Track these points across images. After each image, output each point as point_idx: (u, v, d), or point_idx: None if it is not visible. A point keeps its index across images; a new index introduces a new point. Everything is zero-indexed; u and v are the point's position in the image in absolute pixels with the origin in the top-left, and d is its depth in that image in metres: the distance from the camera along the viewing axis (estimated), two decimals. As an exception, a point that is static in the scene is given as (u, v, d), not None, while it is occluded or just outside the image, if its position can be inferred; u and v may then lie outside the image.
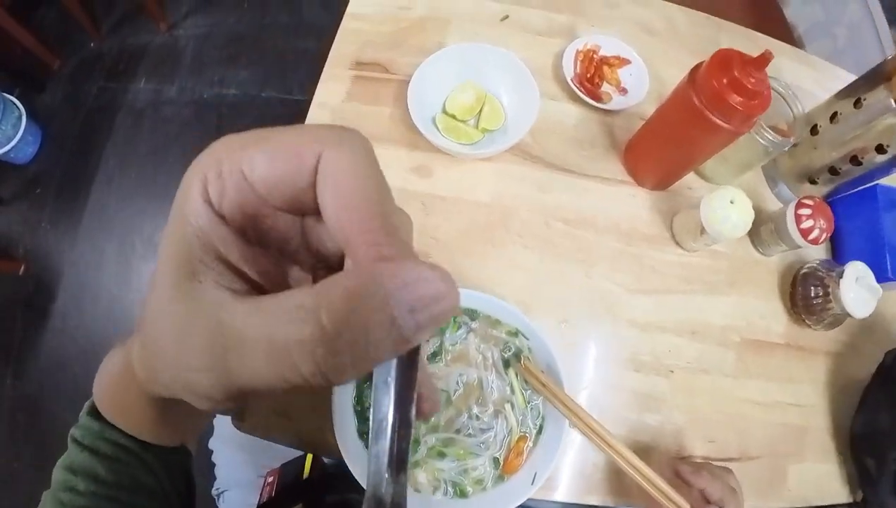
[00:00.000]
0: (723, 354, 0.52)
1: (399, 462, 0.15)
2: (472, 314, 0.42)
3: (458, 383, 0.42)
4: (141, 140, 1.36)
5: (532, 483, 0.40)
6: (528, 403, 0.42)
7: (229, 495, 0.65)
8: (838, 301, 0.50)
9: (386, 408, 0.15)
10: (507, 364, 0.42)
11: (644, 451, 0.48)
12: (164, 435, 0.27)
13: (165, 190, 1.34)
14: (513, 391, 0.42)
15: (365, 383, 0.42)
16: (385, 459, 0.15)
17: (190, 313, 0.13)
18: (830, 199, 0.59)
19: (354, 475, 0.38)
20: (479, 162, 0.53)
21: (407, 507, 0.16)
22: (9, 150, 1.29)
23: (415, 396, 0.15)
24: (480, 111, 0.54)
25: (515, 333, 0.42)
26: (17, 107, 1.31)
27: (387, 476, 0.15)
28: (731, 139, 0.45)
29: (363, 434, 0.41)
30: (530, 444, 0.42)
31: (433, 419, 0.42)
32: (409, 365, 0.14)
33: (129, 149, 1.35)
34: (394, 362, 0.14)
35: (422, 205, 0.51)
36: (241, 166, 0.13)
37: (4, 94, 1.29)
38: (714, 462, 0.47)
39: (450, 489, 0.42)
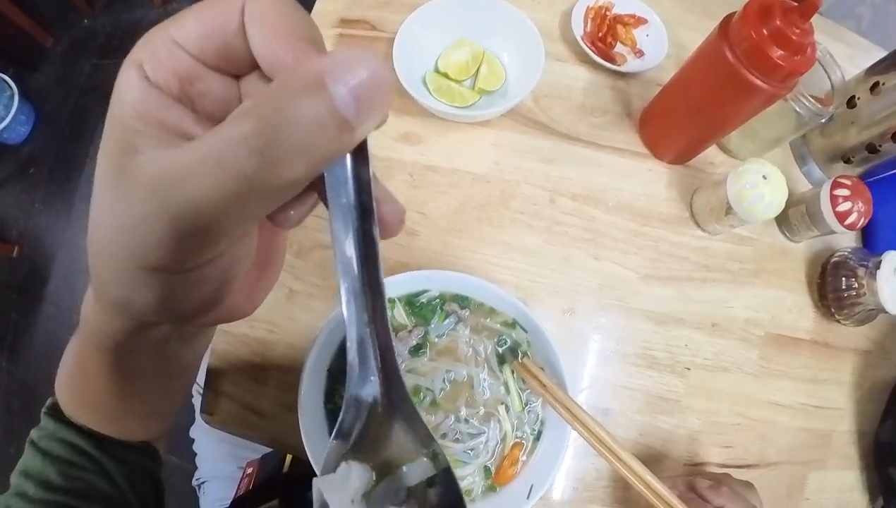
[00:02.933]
0: (745, 351, 0.47)
1: (374, 290, 0.15)
2: (463, 302, 0.37)
3: (444, 381, 0.37)
4: None
5: (528, 498, 0.35)
6: (526, 406, 0.37)
7: (209, 486, 0.64)
8: (874, 294, 0.45)
9: (344, 234, 0.14)
10: (501, 360, 0.37)
11: (655, 458, 0.44)
12: (127, 427, 0.26)
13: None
14: (508, 391, 0.37)
15: (337, 376, 0.37)
16: (359, 288, 0.14)
17: (128, 183, 0.13)
18: (865, 181, 0.53)
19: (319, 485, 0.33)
20: (475, 129, 0.48)
21: (393, 347, 0.16)
22: (1, 130, 1.26)
23: (374, 209, 0.14)
24: (477, 71, 0.48)
25: (512, 324, 0.37)
26: (10, 86, 1.28)
27: (365, 316, 0.15)
28: (767, 102, 0.39)
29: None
30: (526, 453, 0.37)
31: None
32: (360, 175, 0.14)
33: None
34: (349, 179, 0.14)
35: (409, 176, 0.45)
36: (170, 34, 0.14)
37: (-3, 73, 1.26)
38: (731, 471, 0.43)
39: (435, 497, 0.37)
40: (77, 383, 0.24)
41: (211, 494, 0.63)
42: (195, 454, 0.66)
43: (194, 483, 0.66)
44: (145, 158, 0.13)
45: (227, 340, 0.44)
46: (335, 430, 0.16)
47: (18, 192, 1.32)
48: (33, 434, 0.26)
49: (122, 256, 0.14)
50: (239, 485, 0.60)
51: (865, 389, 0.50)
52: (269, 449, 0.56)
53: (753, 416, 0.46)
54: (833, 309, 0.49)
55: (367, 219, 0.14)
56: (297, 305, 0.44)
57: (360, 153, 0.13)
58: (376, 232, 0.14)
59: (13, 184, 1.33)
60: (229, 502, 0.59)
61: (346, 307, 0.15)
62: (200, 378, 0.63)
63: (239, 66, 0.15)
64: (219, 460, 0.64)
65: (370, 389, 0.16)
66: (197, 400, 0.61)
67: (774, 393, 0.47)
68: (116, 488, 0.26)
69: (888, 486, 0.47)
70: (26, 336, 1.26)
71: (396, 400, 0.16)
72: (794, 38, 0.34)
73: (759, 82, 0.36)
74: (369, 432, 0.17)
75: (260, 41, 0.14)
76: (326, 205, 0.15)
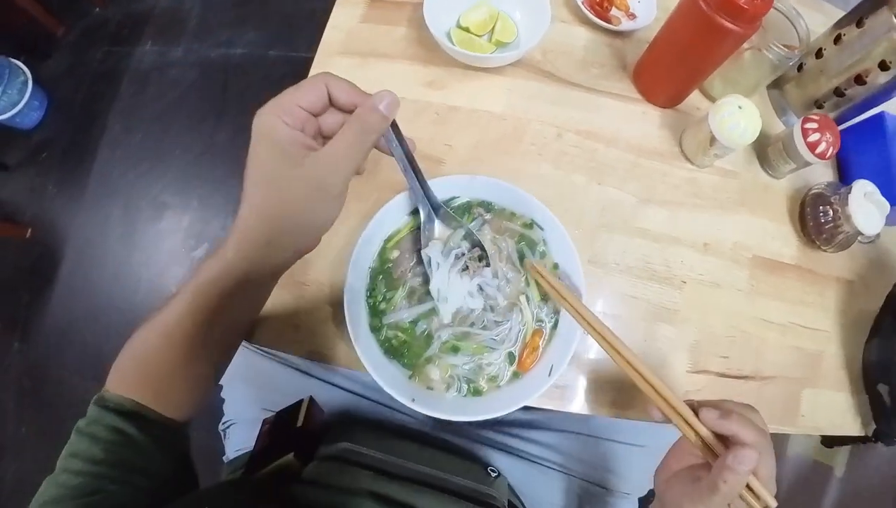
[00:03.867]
0: (735, 270, 0.52)
1: (416, 172, 0.39)
2: (488, 206, 0.43)
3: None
4: (147, 103, 1.36)
5: (549, 376, 0.40)
6: (544, 297, 0.43)
7: (234, 430, 0.65)
8: (848, 219, 0.50)
9: (400, 154, 0.37)
10: (522, 255, 0.43)
11: (660, 364, 0.48)
12: (181, 404, 0.35)
13: (172, 152, 1.34)
14: (528, 283, 0.42)
15: (377, 276, 0.42)
16: (416, 178, 0.39)
17: (301, 175, 0.31)
18: (839, 129, 0.59)
19: (364, 364, 0.38)
20: (491, 77, 0.54)
21: (431, 190, 0.41)
22: (14, 115, 1.29)
23: (407, 144, 0.37)
24: (493, 28, 0.55)
25: (530, 225, 0.43)
26: (23, 71, 1.31)
27: (421, 191, 0.40)
28: (738, 43, 0.46)
29: (374, 328, 0.42)
30: (545, 339, 0.42)
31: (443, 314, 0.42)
32: (398, 133, 0.36)
33: (134, 113, 1.36)
34: (392, 135, 0.35)
35: (436, 114, 0.51)
36: (295, 100, 0.31)
37: (10, 59, 1.29)
38: (729, 381, 0.46)
39: (464, 386, 0.42)
40: (143, 368, 0.33)
41: (234, 437, 0.65)
42: (223, 401, 0.69)
43: (220, 428, 0.69)
44: (308, 159, 0.30)
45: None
46: (423, 236, 0.42)
47: (31, 176, 1.34)
48: (79, 423, 0.32)
49: (305, 218, 0.32)
50: (256, 441, 0.62)
51: (850, 317, 0.53)
52: (290, 396, 0.58)
53: (746, 330, 0.50)
54: (814, 237, 0.53)
55: (406, 149, 0.36)
56: (329, 231, 0.48)
57: (396, 127, 0.35)
58: (411, 153, 0.37)
59: (25, 168, 1.35)
60: (251, 445, 0.61)
61: (412, 190, 0.40)
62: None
63: (321, 111, 0.33)
64: (245, 401, 0.66)
65: (425, 210, 0.41)
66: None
67: (765, 311, 0.51)
68: (153, 461, 0.32)
69: (878, 403, 0.50)
70: (37, 317, 1.26)
71: (439, 211, 0.41)
72: None
73: (729, 25, 0.43)
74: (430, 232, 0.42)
75: (340, 98, 0.33)
76: (389, 153, 0.36)
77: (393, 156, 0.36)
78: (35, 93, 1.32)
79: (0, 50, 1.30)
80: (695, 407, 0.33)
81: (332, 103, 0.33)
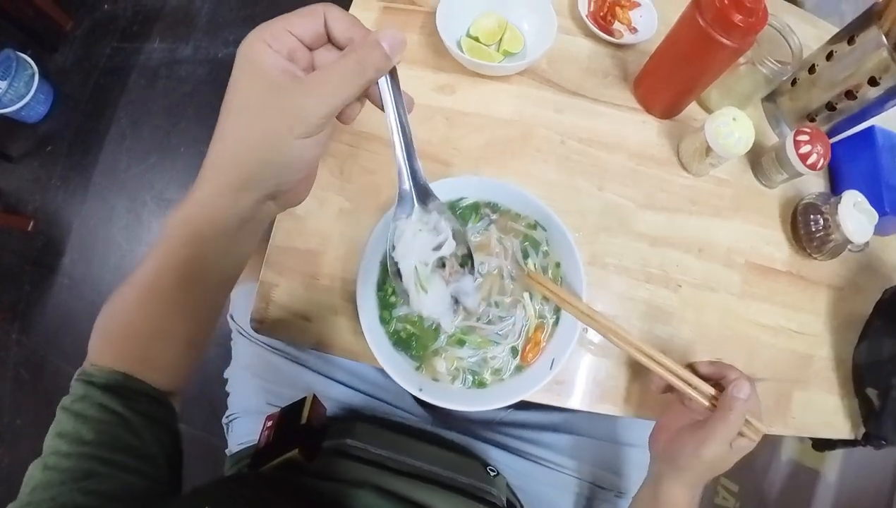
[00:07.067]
0: (728, 274, 0.54)
1: (406, 140, 0.31)
2: (494, 207, 0.45)
3: (478, 271, 0.44)
4: (154, 99, 1.37)
5: (550, 369, 0.42)
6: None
7: (238, 423, 0.66)
8: (838, 227, 0.52)
9: (392, 112, 0.30)
10: (526, 255, 0.45)
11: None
12: (165, 357, 0.33)
13: (178, 148, 1.35)
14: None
15: (386, 272, 0.44)
16: (402, 143, 0.31)
17: (284, 103, 0.27)
18: (830, 141, 0.62)
19: (374, 354, 0.40)
20: (499, 84, 0.56)
21: (421, 170, 0.33)
22: (20, 108, 1.29)
23: (403, 101, 0.30)
24: (502, 37, 0.57)
25: (534, 226, 0.45)
26: (31, 65, 1.32)
27: (405, 161, 0.32)
28: (733, 57, 0.48)
29: (384, 320, 0.43)
30: (547, 334, 0.44)
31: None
32: (395, 85, 0.30)
33: (142, 108, 1.37)
34: (388, 85, 0.29)
35: (445, 119, 0.54)
36: (284, 26, 0.27)
37: (18, 53, 1.30)
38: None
39: (469, 377, 0.44)
40: (125, 329, 0.31)
41: (238, 430, 0.65)
42: (227, 394, 0.70)
43: (224, 421, 0.70)
44: (290, 85, 0.26)
45: (280, 254, 0.49)
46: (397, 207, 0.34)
47: (35, 168, 1.35)
48: (64, 400, 0.30)
49: (281, 155, 0.28)
50: (260, 438, 0.63)
51: (840, 321, 0.55)
52: (295, 389, 0.60)
53: (739, 332, 0.52)
54: (805, 244, 0.55)
55: (400, 104, 0.30)
56: (344, 222, 0.50)
57: (395, 76, 0.29)
58: (405, 111, 0.30)
59: (30, 160, 1.36)
60: (254, 438, 0.62)
61: (397, 157, 0.31)
62: (234, 312, 0.67)
63: (316, 44, 0.29)
64: (250, 394, 0.67)
65: (406, 187, 0.33)
66: (236, 339, 0.66)
67: (757, 314, 0.53)
68: (140, 440, 0.30)
69: (867, 406, 0.51)
70: (38, 307, 1.27)
71: (425, 196, 0.34)
72: (748, 4, 0.44)
73: (724, 40, 0.45)
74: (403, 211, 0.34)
75: (339, 31, 0.28)
76: (381, 107, 0.30)
77: (383, 111, 0.30)
78: (42, 87, 1.33)
79: (8, 43, 1.31)
80: (691, 367, 0.42)
81: (329, 40, 0.29)
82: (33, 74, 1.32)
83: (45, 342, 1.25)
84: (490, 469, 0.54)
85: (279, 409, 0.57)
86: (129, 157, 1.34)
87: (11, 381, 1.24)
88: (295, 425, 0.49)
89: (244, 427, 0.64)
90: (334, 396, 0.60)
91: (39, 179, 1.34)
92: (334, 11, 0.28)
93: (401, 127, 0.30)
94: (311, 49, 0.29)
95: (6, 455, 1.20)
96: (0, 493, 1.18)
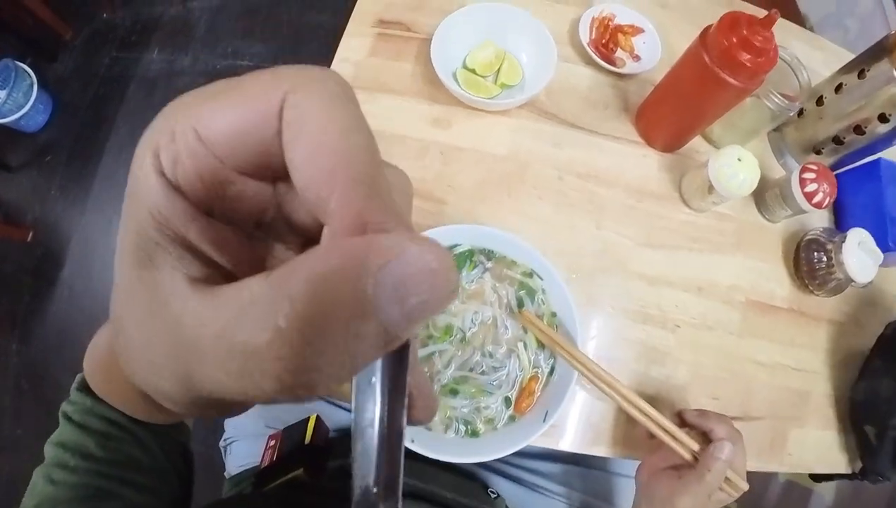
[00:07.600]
0: (728, 313, 0.53)
1: (389, 479, 0.12)
2: (489, 254, 0.44)
3: (472, 321, 0.43)
4: (153, 110, 1.30)
5: (544, 421, 0.41)
6: (541, 344, 0.44)
7: (236, 446, 0.66)
8: (841, 266, 0.51)
9: (371, 415, 0.11)
10: (521, 303, 0.44)
11: (649, 402, 0.49)
12: (156, 415, 0.25)
13: (176, 160, 1.35)
14: (526, 331, 0.44)
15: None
16: (372, 476, 0.12)
17: (150, 305, 0.11)
18: (835, 173, 0.61)
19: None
20: (496, 117, 0.55)
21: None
22: (19, 118, 1.29)
23: (406, 400, 0.12)
24: (499, 68, 0.56)
25: (530, 274, 0.44)
26: (29, 74, 1.31)
27: (374, 491, 0.12)
28: (740, 97, 0.47)
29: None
30: (541, 384, 0.43)
31: (447, 356, 0.43)
32: (398, 362, 0.11)
33: (140, 119, 1.36)
34: (378, 361, 0.11)
35: (440, 154, 0.52)
36: (193, 124, 0.11)
37: (16, 62, 1.30)
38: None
39: (461, 427, 0.43)
40: (107, 374, 0.24)
41: (237, 452, 0.65)
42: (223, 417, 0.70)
43: (221, 444, 0.69)
44: (163, 282, 0.11)
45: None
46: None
47: (34, 178, 1.34)
48: (66, 408, 0.27)
49: (144, 369, 0.12)
50: (263, 457, 0.63)
51: (840, 357, 0.54)
52: (295, 412, 0.60)
53: (737, 371, 0.51)
54: (807, 281, 0.54)
55: (394, 413, 0.12)
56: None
57: (404, 350, 0.12)
58: (404, 423, 0.12)
59: (29, 170, 1.35)
60: (254, 461, 0.62)
61: (355, 486, 0.12)
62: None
63: (277, 173, 0.12)
64: (249, 418, 0.68)
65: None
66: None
67: (755, 353, 0.52)
68: (152, 457, 0.28)
69: (864, 443, 0.51)
70: (38, 318, 1.27)
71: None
72: (757, 44, 0.42)
73: (730, 80, 0.44)
74: None
75: (301, 169, 0.11)
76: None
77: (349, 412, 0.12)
78: (41, 97, 1.33)
79: (7, 52, 1.30)
80: (679, 412, 0.43)
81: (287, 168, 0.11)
82: (32, 84, 1.31)
83: (45, 352, 1.26)
84: (491, 492, 0.54)
85: (282, 429, 0.57)
86: (129, 167, 1.33)
87: (12, 392, 1.24)
88: (299, 444, 0.48)
89: (243, 450, 0.64)
90: (336, 420, 0.59)
91: (38, 189, 1.34)
92: (303, 97, 0.11)
93: (386, 464, 0.12)
94: (259, 178, 0.12)
95: (6, 465, 1.21)
96: (1, 501, 1.18)
